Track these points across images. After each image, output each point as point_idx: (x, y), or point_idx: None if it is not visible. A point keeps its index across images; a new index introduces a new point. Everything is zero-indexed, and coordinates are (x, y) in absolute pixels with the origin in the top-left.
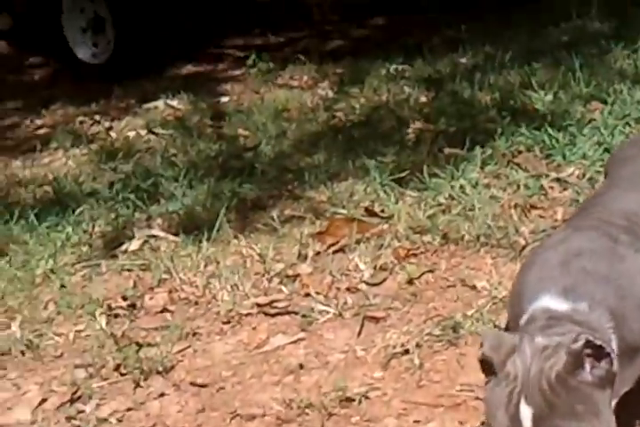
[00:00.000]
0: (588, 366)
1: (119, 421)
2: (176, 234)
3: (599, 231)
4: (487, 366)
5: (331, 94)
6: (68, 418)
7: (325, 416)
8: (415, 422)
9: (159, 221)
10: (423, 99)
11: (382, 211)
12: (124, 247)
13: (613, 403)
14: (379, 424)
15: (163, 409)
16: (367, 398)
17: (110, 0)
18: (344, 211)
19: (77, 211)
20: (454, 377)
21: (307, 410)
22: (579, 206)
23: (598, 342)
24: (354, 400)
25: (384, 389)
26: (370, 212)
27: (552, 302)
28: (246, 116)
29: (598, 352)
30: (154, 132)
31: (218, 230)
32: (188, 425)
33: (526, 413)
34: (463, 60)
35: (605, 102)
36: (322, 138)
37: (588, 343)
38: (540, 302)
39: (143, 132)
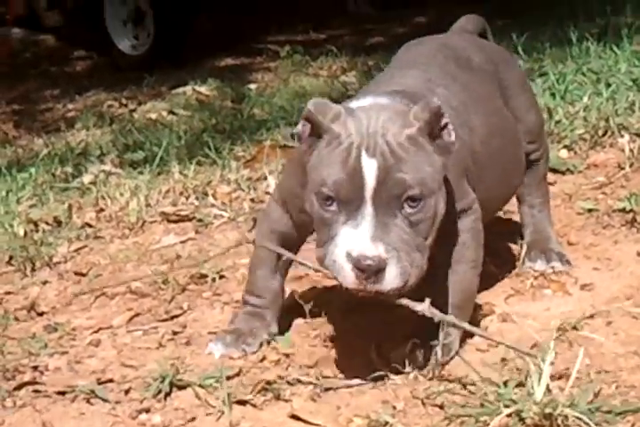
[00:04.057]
0: (442, 133)
1: None
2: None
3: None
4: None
5: (354, 80)
6: None
7: (178, 291)
8: None
9: (112, 157)
10: None
11: None
12: (76, 181)
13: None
14: (228, 297)
15: (41, 294)
16: (222, 277)
17: None
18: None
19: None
20: None
21: (162, 286)
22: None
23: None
24: (207, 277)
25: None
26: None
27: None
28: (266, 99)
29: (439, 121)
30: (175, 113)
31: (162, 164)
32: (59, 305)
33: (370, 164)
34: None
35: None
36: None
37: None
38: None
39: (165, 113)
